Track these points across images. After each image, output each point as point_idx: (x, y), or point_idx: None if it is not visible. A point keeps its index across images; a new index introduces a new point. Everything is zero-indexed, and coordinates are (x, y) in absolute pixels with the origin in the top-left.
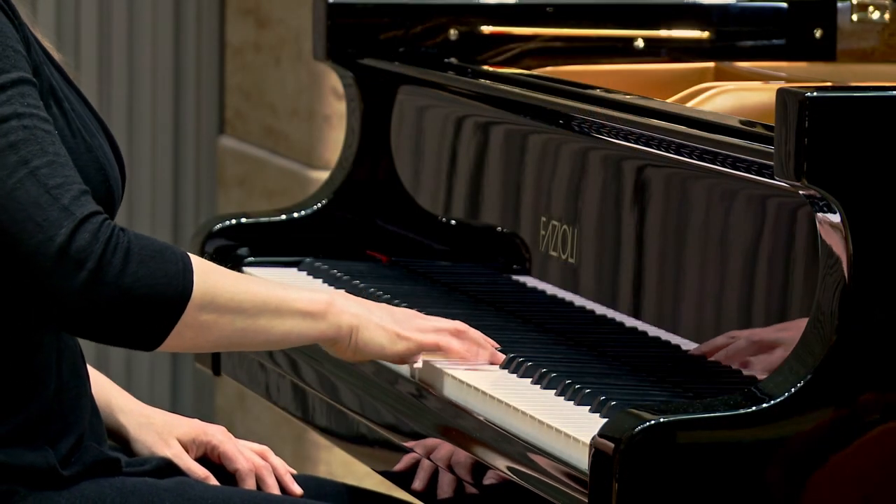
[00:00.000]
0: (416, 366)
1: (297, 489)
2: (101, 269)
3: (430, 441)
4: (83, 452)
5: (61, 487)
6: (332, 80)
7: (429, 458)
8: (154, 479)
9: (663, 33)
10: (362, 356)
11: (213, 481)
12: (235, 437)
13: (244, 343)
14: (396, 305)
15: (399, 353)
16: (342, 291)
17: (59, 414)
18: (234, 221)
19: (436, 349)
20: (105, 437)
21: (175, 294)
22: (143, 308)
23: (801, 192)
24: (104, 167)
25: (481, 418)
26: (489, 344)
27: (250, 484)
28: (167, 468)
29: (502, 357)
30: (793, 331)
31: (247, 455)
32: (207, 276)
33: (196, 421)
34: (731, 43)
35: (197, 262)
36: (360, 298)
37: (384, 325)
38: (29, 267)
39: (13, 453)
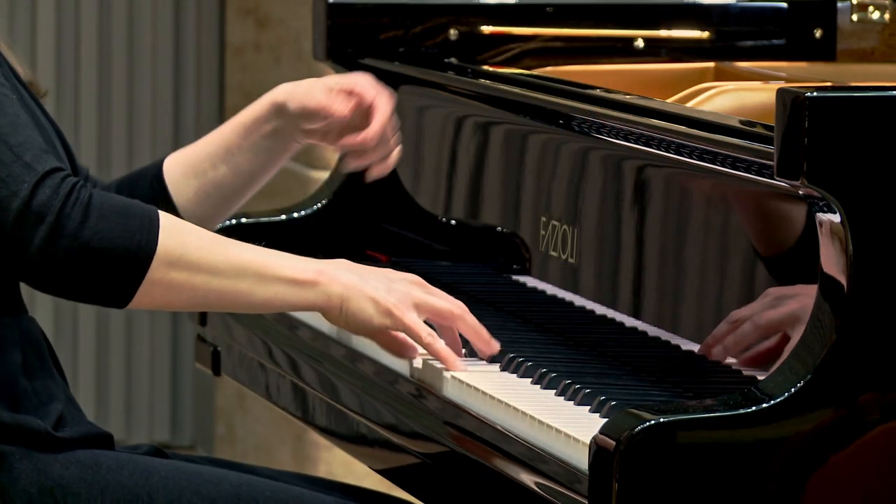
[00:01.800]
0: (415, 364)
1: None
2: (59, 222)
3: (430, 441)
4: (75, 423)
5: (56, 451)
6: None
7: (429, 459)
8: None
9: (663, 33)
10: (352, 328)
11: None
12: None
13: (224, 305)
14: None
15: (385, 327)
16: (341, 260)
17: (31, 391)
18: (234, 221)
19: (418, 339)
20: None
21: (136, 248)
22: (103, 262)
23: (801, 192)
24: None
25: (481, 418)
26: (483, 335)
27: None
28: (156, 453)
29: (497, 347)
30: (796, 302)
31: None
32: (177, 233)
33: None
34: (731, 43)
35: (167, 219)
36: (358, 266)
37: (376, 297)
38: None
39: (6, 414)
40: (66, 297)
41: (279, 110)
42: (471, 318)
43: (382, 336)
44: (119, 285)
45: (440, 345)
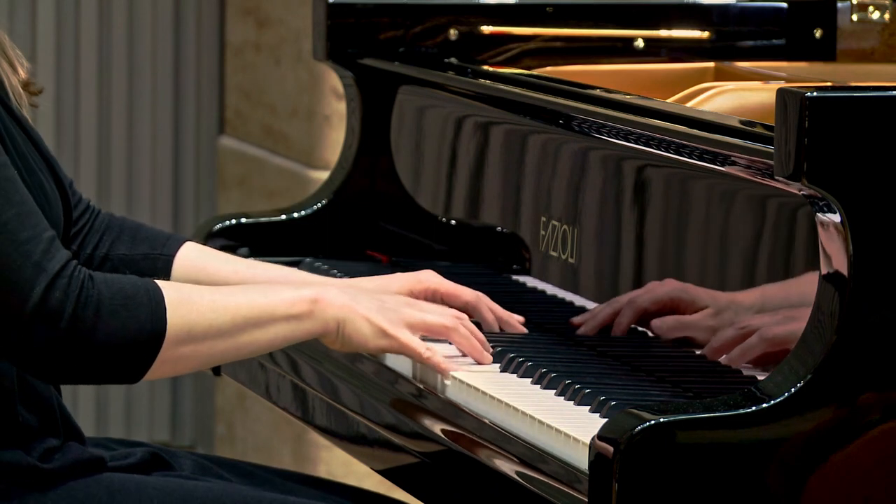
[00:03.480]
0: (416, 364)
1: (517, 322)
2: (73, 327)
3: (430, 441)
4: (65, 451)
5: (47, 486)
6: (332, 80)
7: (429, 459)
8: (141, 475)
9: (663, 33)
10: (349, 348)
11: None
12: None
13: (229, 359)
14: None
15: (381, 348)
16: (330, 280)
17: (27, 418)
18: (234, 221)
19: (417, 357)
20: (85, 439)
21: (148, 338)
22: (117, 356)
23: (801, 192)
24: (42, 208)
25: (481, 418)
26: (476, 344)
27: (484, 314)
28: (153, 459)
29: (490, 356)
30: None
31: (465, 290)
32: (182, 309)
33: (403, 274)
34: (731, 43)
35: (169, 294)
36: (349, 286)
37: (370, 318)
38: (5, 324)
39: None
40: (76, 384)
41: None
42: (463, 330)
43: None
44: (130, 371)
45: (438, 358)
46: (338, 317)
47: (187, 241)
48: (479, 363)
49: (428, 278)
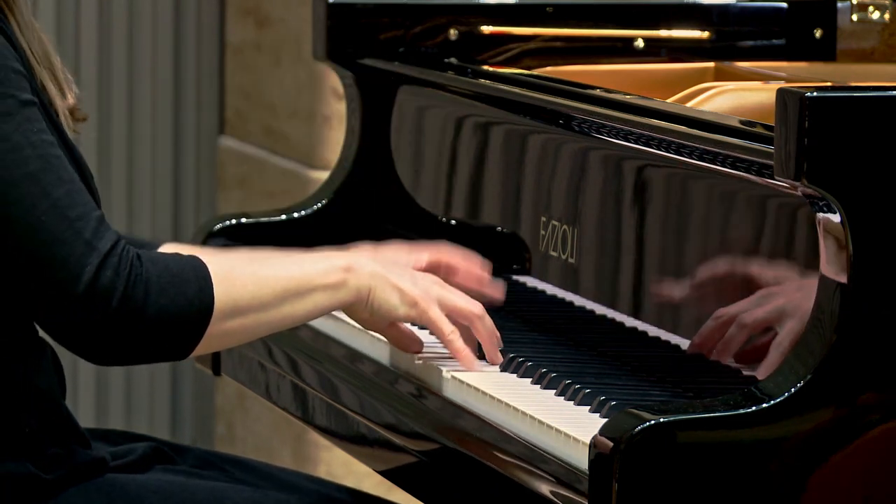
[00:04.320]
0: (416, 363)
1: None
2: (124, 305)
3: (430, 441)
4: (67, 458)
5: (47, 496)
6: (332, 80)
7: (429, 459)
8: (142, 475)
9: (663, 33)
10: (377, 317)
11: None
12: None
13: (272, 330)
14: None
15: (409, 317)
16: (364, 246)
17: (32, 428)
18: (234, 221)
19: (441, 334)
20: (89, 441)
21: (197, 314)
22: (167, 333)
23: (801, 192)
24: None
25: (481, 418)
26: (495, 340)
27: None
28: (154, 454)
29: (500, 358)
30: (782, 298)
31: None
32: (227, 284)
33: (419, 247)
34: (731, 43)
35: (215, 270)
36: (381, 254)
37: (401, 286)
38: (55, 303)
39: None
40: (125, 365)
41: None
42: (488, 321)
43: (393, 329)
44: (180, 347)
45: (460, 343)
46: (370, 285)
47: (164, 244)
48: (490, 361)
49: (442, 256)
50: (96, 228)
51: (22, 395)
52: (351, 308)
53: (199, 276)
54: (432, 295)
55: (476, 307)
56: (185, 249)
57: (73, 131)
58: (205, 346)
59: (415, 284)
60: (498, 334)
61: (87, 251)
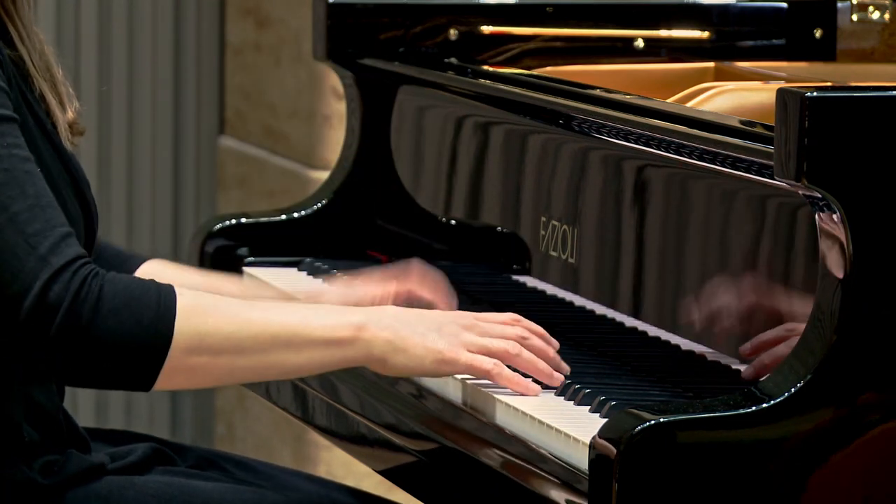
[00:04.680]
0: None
1: None
2: (68, 322)
3: (430, 441)
4: (66, 463)
5: (45, 501)
6: (332, 80)
7: (429, 459)
8: (141, 477)
9: (663, 33)
10: (400, 374)
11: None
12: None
13: (255, 378)
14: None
15: (440, 373)
16: (389, 308)
17: (30, 434)
18: (234, 221)
19: (486, 375)
20: (89, 444)
21: (150, 342)
22: (118, 357)
23: (801, 192)
24: None
25: (481, 418)
26: (544, 369)
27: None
28: (155, 455)
29: (560, 378)
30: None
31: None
32: (196, 317)
33: (383, 275)
34: (731, 43)
35: (184, 303)
36: (402, 311)
37: (426, 345)
38: (6, 317)
39: None
40: (87, 387)
41: None
42: (527, 354)
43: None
44: (137, 376)
45: (508, 373)
46: (384, 349)
47: (149, 259)
48: (549, 384)
49: (409, 282)
50: (55, 244)
51: (18, 405)
52: (369, 366)
53: (163, 304)
54: (461, 342)
55: (511, 344)
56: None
57: (72, 144)
58: (171, 381)
59: (438, 335)
60: (552, 351)
61: (38, 266)
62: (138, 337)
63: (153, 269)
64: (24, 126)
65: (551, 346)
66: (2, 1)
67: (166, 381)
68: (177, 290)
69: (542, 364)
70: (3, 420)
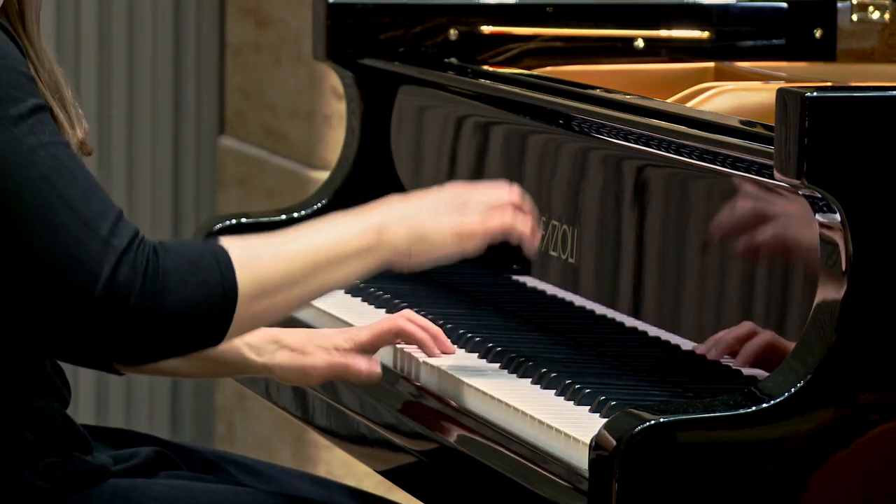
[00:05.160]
0: (420, 362)
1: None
2: (143, 302)
3: (430, 441)
4: (67, 466)
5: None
6: (332, 80)
7: (428, 459)
8: (144, 480)
9: (663, 33)
10: (427, 264)
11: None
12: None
13: (306, 302)
14: (396, 306)
15: (467, 251)
16: (391, 200)
17: (29, 438)
18: (234, 221)
19: (507, 230)
20: (91, 446)
21: (220, 302)
22: (192, 324)
23: (801, 192)
24: None
25: (481, 418)
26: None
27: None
28: (158, 458)
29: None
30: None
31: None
32: (249, 266)
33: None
34: (731, 43)
35: (236, 253)
36: (407, 200)
37: (443, 230)
38: (73, 304)
39: None
40: (155, 362)
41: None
42: (528, 204)
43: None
44: (209, 336)
45: (523, 220)
46: (407, 241)
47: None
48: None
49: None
50: (114, 225)
51: (20, 412)
52: (394, 263)
53: (221, 261)
54: (474, 211)
55: (513, 199)
56: None
57: None
58: (237, 330)
59: (456, 213)
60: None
61: (104, 249)
62: (209, 300)
63: None
64: None
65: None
66: (11, 20)
67: (235, 331)
68: (224, 243)
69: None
70: (2, 424)
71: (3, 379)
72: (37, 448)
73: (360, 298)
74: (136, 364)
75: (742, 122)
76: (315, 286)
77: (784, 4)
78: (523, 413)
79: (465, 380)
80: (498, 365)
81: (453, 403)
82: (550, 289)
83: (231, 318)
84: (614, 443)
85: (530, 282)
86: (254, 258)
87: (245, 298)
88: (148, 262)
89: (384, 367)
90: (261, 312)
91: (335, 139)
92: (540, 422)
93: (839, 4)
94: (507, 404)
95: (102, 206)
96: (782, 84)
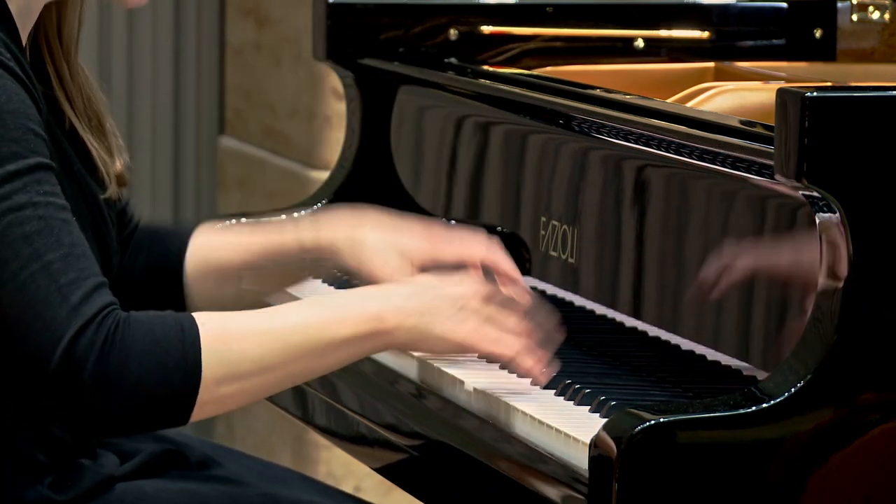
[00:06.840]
0: (418, 363)
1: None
2: (96, 376)
3: (430, 441)
4: (76, 476)
5: None
6: (332, 80)
7: (429, 458)
8: (151, 483)
9: (663, 33)
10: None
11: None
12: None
13: (284, 388)
14: None
15: (460, 353)
16: (396, 287)
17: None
18: (234, 222)
19: (507, 361)
20: (96, 451)
21: (179, 383)
22: (150, 403)
23: (801, 192)
24: None
25: (481, 418)
26: (538, 363)
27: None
28: (163, 456)
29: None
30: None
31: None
32: (220, 348)
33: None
34: (731, 43)
35: (207, 334)
36: (419, 290)
37: (447, 339)
38: (33, 367)
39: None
40: (122, 436)
41: (332, 254)
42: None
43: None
44: (170, 417)
45: (529, 362)
46: (407, 334)
47: (196, 228)
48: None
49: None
50: (87, 294)
51: (37, 443)
52: (386, 350)
53: (187, 341)
54: (480, 327)
55: (523, 331)
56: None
57: (117, 198)
58: (202, 412)
59: (461, 322)
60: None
61: (69, 316)
62: (167, 382)
63: (205, 241)
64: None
65: (553, 343)
66: (48, 40)
67: (199, 413)
68: (198, 319)
69: (536, 365)
70: (13, 449)
71: (15, 406)
72: (48, 466)
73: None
74: (99, 436)
75: (742, 122)
76: (296, 372)
77: (784, 4)
78: (523, 413)
79: (465, 380)
80: (497, 365)
81: (453, 403)
82: (550, 289)
83: (193, 400)
84: (614, 443)
85: (530, 282)
86: (224, 338)
87: (210, 382)
88: (108, 335)
89: (382, 367)
90: (229, 396)
91: (335, 139)
92: (540, 422)
93: (839, 4)
94: (507, 404)
95: (81, 274)
96: (782, 84)
